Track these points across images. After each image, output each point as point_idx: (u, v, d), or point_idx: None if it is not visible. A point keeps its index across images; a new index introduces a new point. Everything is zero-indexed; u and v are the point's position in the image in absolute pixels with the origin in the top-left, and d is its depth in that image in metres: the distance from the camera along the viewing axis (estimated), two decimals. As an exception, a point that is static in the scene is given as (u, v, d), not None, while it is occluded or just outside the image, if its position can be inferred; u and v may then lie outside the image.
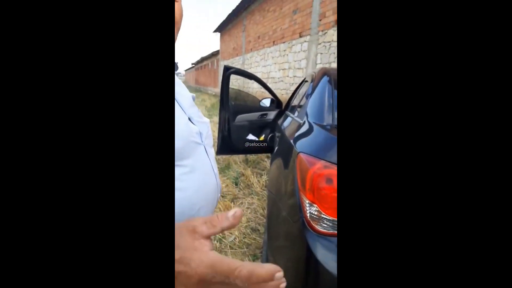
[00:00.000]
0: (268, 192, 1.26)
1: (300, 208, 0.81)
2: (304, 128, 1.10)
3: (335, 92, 1.13)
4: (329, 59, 4.15)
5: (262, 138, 2.36)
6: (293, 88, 5.27)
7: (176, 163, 0.42)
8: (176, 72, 0.52)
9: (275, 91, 2.27)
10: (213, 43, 58.31)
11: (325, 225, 0.75)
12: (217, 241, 1.74)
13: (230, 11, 9.55)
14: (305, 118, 1.16)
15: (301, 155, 0.89)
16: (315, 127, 1.02)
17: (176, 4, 0.43)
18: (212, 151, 0.57)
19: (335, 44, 3.98)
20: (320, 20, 4.41)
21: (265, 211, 2.11)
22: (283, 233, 0.95)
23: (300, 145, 0.98)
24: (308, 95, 1.33)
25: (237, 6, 8.67)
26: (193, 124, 0.53)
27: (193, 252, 0.23)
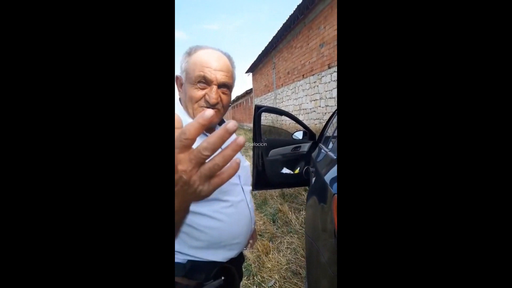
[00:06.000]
0: (305, 233, 1.18)
1: (340, 255, 0.74)
2: (338, 164, 1.04)
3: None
4: (361, 86, 4.07)
5: (297, 171, 2.30)
6: (326, 117, 5.20)
7: (218, 198, 0.60)
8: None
9: (308, 122, 2.24)
10: (247, 83, 61.64)
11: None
12: (256, 286, 1.65)
13: (260, 52, 10.15)
14: (338, 153, 1.11)
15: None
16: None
17: (225, 96, 0.64)
18: (248, 189, 0.73)
19: (366, 71, 3.92)
20: (348, 50, 4.44)
21: (305, 252, 1.97)
22: (322, 280, 0.86)
23: (336, 185, 0.92)
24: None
25: (266, 47, 9.19)
26: None
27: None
